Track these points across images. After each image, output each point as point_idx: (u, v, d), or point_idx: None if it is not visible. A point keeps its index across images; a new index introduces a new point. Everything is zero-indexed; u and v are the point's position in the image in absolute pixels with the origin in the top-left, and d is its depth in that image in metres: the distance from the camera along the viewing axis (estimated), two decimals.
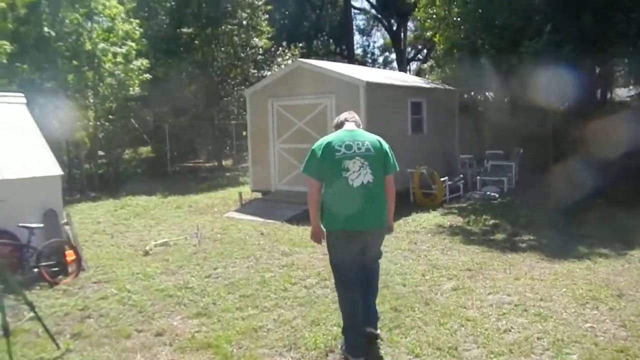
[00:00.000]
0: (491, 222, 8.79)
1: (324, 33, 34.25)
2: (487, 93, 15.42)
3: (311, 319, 4.44)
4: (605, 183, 10.72)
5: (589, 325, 4.18)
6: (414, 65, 36.17)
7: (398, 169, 3.87)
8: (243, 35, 18.36)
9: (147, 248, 7.00)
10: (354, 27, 35.14)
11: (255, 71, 18.77)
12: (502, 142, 14.06)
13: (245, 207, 10.64)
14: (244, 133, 19.76)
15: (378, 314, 4.05)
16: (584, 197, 10.35)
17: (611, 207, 9.01)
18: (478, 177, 11.95)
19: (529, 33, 10.24)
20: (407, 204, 10.54)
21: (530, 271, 5.79)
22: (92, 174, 15.21)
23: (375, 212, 3.68)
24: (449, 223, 8.84)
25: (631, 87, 13.78)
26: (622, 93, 16.21)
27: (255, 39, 18.28)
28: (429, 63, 19.74)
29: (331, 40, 36.14)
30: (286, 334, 4.16)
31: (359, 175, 3.60)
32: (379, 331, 4.00)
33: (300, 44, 21.18)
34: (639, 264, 5.97)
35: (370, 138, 3.77)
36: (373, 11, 36.92)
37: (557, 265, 6.02)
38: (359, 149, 3.66)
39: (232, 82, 18.89)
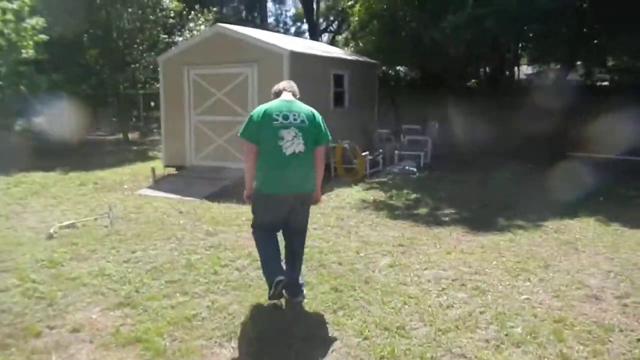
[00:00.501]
0: (413, 196, 8.93)
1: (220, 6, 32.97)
2: (401, 68, 15.62)
3: (249, 304, 4.14)
4: (510, 153, 11.38)
5: (524, 297, 4.27)
6: (325, 37, 36.07)
7: (330, 138, 4.11)
8: None
9: (51, 231, 6.24)
10: None
11: (166, 36, 17.58)
12: (417, 117, 14.41)
13: (159, 184, 9.95)
14: (152, 104, 18.68)
15: (302, 285, 4.25)
16: (491, 168, 10.92)
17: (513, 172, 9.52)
18: (396, 152, 12.11)
19: (451, 7, 10.36)
20: (328, 179, 10.42)
21: (458, 245, 5.89)
22: None
23: (303, 179, 3.93)
24: (372, 198, 8.84)
25: (535, 66, 14.61)
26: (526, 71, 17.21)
27: (165, 0, 17.03)
28: (343, 35, 19.57)
29: (242, 7, 34.98)
30: (224, 322, 3.84)
31: (292, 144, 3.82)
32: (303, 298, 4.20)
33: (214, 9, 20.08)
34: (555, 235, 6.29)
35: (306, 110, 3.98)
36: None
37: (482, 238, 6.18)
38: (295, 119, 3.86)
39: (140, 48, 17.54)
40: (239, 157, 9.78)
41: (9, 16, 12.02)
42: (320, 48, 12.98)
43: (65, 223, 6.64)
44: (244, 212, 7.41)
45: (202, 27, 19.12)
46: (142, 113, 18.46)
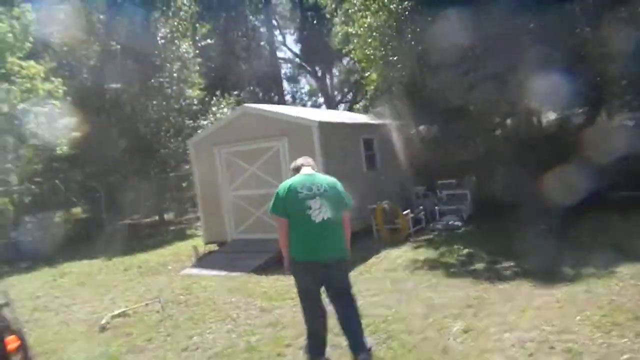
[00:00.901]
0: (465, 251, 8.55)
1: (253, 83, 34.14)
2: (420, 127, 15.55)
3: None
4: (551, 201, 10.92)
5: (626, 357, 3.86)
6: (341, 107, 36.87)
7: (351, 204, 4.38)
8: (175, 87, 17.70)
9: (103, 322, 6.09)
10: (282, 75, 35.37)
11: (191, 121, 18.07)
12: (446, 173, 14.17)
13: (203, 262, 9.82)
14: (184, 184, 18.95)
15: (368, 346, 4.25)
16: (535, 218, 10.47)
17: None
18: (436, 208, 11.82)
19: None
20: (372, 241, 10.18)
21: (531, 301, 5.49)
22: (20, 241, 13.71)
23: (335, 244, 4.19)
24: (422, 257, 8.51)
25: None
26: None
27: (188, 90, 17.69)
28: (361, 103, 19.90)
29: (257, 89, 36.07)
30: None
31: (319, 212, 4.08)
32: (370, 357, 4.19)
33: (235, 92, 20.71)
34: (631, 282, 5.84)
35: (327, 180, 4.30)
36: (297, 60, 37.84)
37: (555, 290, 5.77)
38: (318, 189, 4.16)
39: (167, 134, 18.05)
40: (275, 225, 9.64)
41: (42, 119, 12.51)
42: (346, 116, 13.13)
43: (116, 312, 6.49)
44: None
45: (225, 109, 19.67)
46: (174, 194, 18.68)
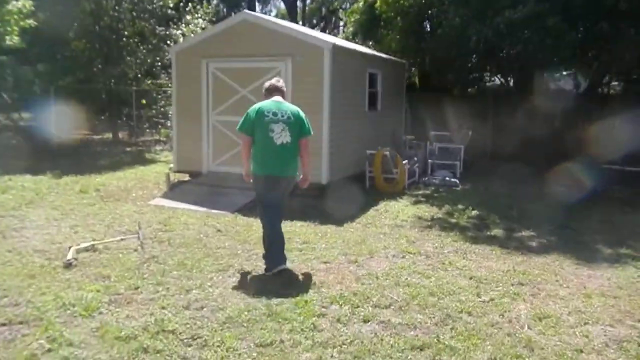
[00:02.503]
0: (473, 213, 7.81)
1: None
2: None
3: None
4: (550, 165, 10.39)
5: None
6: None
7: (312, 133, 4.88)
8: None
9: (69, 257, 4.87)
10: None
11: (162, 29, 16.09)
12: (439, 122, 13.35)
13: (175, 193, 8.58)
14: (144, 101, 17.16)
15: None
16: (532, 179, 9.92)
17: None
18: (429, 161, 11.01)
19: (503, 1, 9.27)
20: (364, 190, 9.29)
21: (585, 284, 4.78)
22: None
23: (290, 164, 4.79)
24: (427, 214, 7.71)
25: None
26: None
27: None
28: (350, 29, 18.45)
29: (221, 5, 33.40)
30: None
31: (280, 136, 4.65)
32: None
33: (215, 0, 18.64)
34: None
35: (292, 108, 4.80)
36: None
37: (602, 271, 5.12)
38: (282, 116, 4.69)
39: (133, 40, 16.03)
40: None
41: None
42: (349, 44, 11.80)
43: (83, 245, 5.26)
44: (297, 232, 6.19)
45: (200, 20, 17.73)
46: (133, 111, 16.87)
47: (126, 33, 15.81)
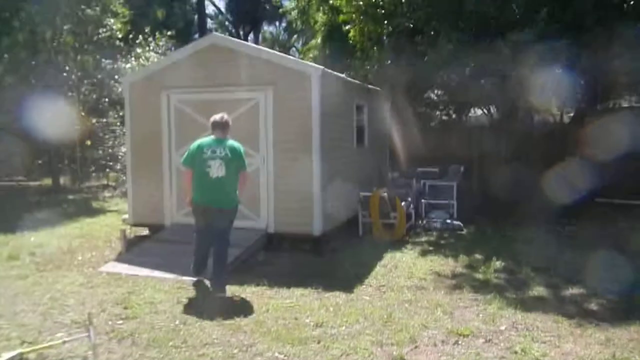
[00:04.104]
0: (498, 264, 6.58)
1: (174, 30, 30.08)
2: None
3: None
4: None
5: None
6: None
7: (247, 169, 5.42)
8: (90, 11, 13.85)
9: None
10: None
11: (109, 62, 14.42)
12: (427, 158, 12.31)
13: (133, 254, 6.89)
14: (89, 142, 15.28)
15: (222, 282, 5.24)
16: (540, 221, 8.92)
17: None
18: (423, 201, 9.82)
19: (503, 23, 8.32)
20: (359, 240, 7.94)
21: None
22: None
23: (223, 196, 5.27)
24: (444, 269, 6.43)
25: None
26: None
27: (110, 19, 13.96)
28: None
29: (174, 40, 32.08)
30: None
31: (216, 171, 5.20)
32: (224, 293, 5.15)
33: (168, 32, 17.09)
34: None
35: (231, 146, 5.30)
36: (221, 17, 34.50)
37: None
38: (220, 153, 5.22)
39: (75, 75, 14.28)
40: (248, 213, 7.05)
41: None
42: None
43: (4, 357, 3.58)
44: (301, 306, 4.76)
45: (152, 54, 16.20)
46: (77, 154, 14.93)
47: (67, 67, 14.05)
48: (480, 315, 4.77)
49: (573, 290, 5.56)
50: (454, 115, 14.60)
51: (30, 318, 4.47)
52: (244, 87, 7.23)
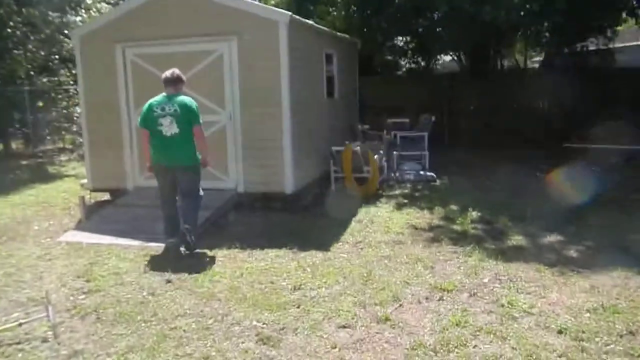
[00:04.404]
0: (474, 215, 6.49)
1: None
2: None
3: None
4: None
5: None
6: None
7: (201, 122, 5.18)
8: None
9: None
10: None
11: (57, 14, 13.38)
12: (395, 109, 12.06)
13: (94, 221, 6.49)
14: (41, 104, 14.38)
15: (189, 227, 5.09)
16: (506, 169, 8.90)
17: None
18: (395, 153, 9.61)
19: None
20: (332, 195, 7.73)
21: None
22: None
23: (180, 154, 5.10)
24: (421, 222, 6.28)
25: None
26: None
27: None
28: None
29: None
30: None
31: (169, 128, 5.05)
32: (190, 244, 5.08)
33: None
34: None
35: (181, 101, 5.11)
36: None
37: None
38: (169, 110, 5.06)
39: (20, 31, 13.22)
40: (216, 173, 6.70)
41: None
42: None
43: None
44: (277, 268, 4.54)
45: (103, 4, 15.14)
46: (28, 116, 14.03)
47: (11, 23, 12.96)
48: (462, 268, 4.65)
49: (551, 238, 5.51)
50: (422, 63, 14.31)
51: None
52: (206, 37, 6.69)
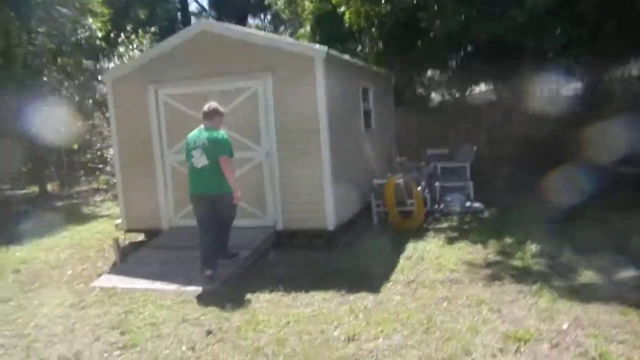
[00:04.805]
0: (533, 248, 5.95)
1: (158, 29, 29.16)
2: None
3: None
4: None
5: None
6: None
7: (228, 154, 5.27)
8: (66, 11, 12.97)
9: None
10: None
11: (91, 62, 13.60)
12: (432, 141, 11.67)
13: (129, 264, 6.20)
14: (75, 146, 14.49)
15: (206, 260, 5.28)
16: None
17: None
18: (437, 184, 9.15)
19: None
20: (375, 230, 7.30)
21: None
22: None
23: (208, 183, 5.29)
24: (476, 258, 5.79)
25: None
26: None
27: (87, 20, 13.06)
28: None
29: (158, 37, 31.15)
30: None
31: (199, 160, 5.29)
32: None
33: (152, 29, 16.22)
34: None
35: (210, 134, 5.28)
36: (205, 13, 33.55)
37: None
38: (200, 143, 5.29)
39: (56, 78, 13.44)
40: (254, 211, 6.39)
41: None
42: None
43: None
44: (325, 314, 4.12)
45: (136, 52, 15.37)
46: (63, 158, 14.14)
47: (46, 72, 13.20)
48: (533, 311, 4.15)
49: (628, 273, 4.95)
50: (457, 94, 13.94)
51: (11, 355, 3.78)
52: (240, 75, 6.51)
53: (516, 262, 5.55)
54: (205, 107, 5.36)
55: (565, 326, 3.80)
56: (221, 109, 5.40)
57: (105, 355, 3.64)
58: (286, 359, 3.46)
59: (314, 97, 6.16)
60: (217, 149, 5.21)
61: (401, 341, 3.66)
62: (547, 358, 3.31)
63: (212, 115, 5.34)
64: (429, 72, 13.96)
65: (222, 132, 5.34)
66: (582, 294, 4.45)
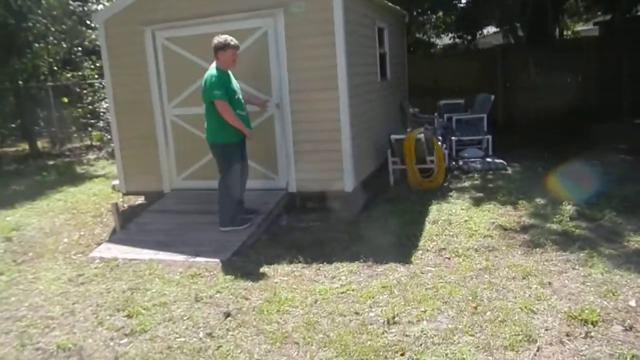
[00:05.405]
0: (569, 209, 5.46)
1: None
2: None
3: None
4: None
5: None
6: None
7: (217, 97, 4.74)
8: None
9: None
10: None
11: (79, 4, 12.63)
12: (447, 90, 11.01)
13: (130, 231, 5.69)
14: (65, 100, 13.73)
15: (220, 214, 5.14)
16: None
17: None
18: (453, 138, 8.59)
19: None
20: (393, 189, 6.81)
21: None
22: None
23: (207, 130, 5.01)
24: (508, 221, 5.30)
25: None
26: None
27: None
28: None
29: None
30: None
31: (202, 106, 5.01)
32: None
33: None
34: None
35: (204, 76, 4.85)
36: None
37: None
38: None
39: (41, 22, 12.52)
40: (264, 171, 5.85)
41: None
42: None
43: None
44: (354, 289, 3.66)
45: None
46: (53, 113, 13.39)
47: (30, 15, 12.26)
48: (588, 284, 3.70)
49: None
50: (469, 37, 13.14)
51: (3, 344, 3.31)
52: (247, 13, 5.77)
53: (555, 226, 5.07)
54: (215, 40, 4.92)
55: (632, 303, 3.35)
56: (228, 41, 4.87)
57: (111, 344, 3.17)
58: (320, 347, 3.00)
59: (331, 39, 5.47)
60: (204, 92, 4.86)
61: (449, 324, 3.21)
62: (624, 344, 2.86)
63: (214, 52, 4.92)
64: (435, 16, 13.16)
65: (212, 72, 4.83)
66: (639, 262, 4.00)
